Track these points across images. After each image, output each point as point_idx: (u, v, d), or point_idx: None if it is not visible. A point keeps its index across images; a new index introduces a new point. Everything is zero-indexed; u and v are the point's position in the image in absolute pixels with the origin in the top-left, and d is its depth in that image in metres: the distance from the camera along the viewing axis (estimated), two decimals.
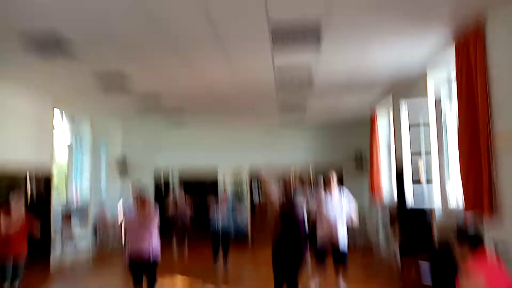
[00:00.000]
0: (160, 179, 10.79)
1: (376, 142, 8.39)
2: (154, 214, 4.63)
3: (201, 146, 10.57)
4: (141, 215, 4.58)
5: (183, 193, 8.84)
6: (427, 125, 5.48)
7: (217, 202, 7.26)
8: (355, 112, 9.68)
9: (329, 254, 5.27)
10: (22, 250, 5.24)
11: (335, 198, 5.25)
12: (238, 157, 10.48)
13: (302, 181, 6.56)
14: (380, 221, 8.46)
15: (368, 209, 9.63)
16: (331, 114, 9.85)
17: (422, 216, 5.80)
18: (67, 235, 7.64)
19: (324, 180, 5.48)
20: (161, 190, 10.61)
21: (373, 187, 8.36)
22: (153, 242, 4.55)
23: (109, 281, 6.50)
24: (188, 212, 8.91)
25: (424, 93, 5.59)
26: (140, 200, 4.65)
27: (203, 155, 10.52)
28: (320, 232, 5.21)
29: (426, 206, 5.47)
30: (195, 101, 7.82)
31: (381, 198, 8.27)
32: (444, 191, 4.65)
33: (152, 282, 4.60)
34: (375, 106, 8.55)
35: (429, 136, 5.41)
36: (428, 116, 5.46)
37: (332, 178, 5.30)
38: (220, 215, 7.10)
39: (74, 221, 8.42)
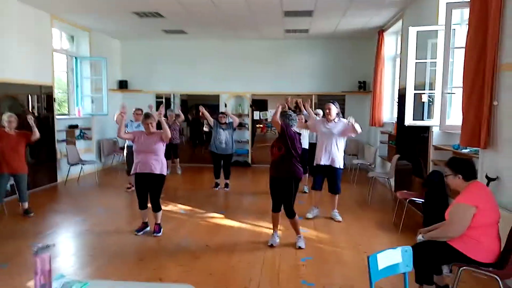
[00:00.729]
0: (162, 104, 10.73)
1: (381, 69, 8.26)
2: (159, 139, 4.72)
3: (202, 69, 10.37)
4: (146, 140, 4.70)
5: (173, 113, 8.72)
6: (434, 56, 5.33)
7: (218, 123, 7.31)
8: (362, 35, 9.43)
9: (324, 179, 5.55)
10: (21, 168, 5.48)
11: (331, 125, 5.41)
12: (240, 81, 10.32)
13: (299, 107, 6.57)
14: (378, 144, 8.66)
15: (367, 134, 9.87)
16: (337, 34, 9.55)
17: (419, 135, 5.96)
18: (72, 153, 7.88)
19: (323, 109, 5.56)
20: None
21: (374, 111, 8.43)
22: (156, 161, 4.71)
23: (114, 199, 6.80)
24: (177, 129, 8.69)
25: (435, 20, 5.36)
26: (146, 125, 4.73)
27: (204, 79, 10.36)
28: (317, 154, 5.49)
29: (424, 124, 5.58)
30: (197, 14, 7.51)
31: (380, 121, 8.40)
32: (444, 119, 4.67)
33: (156, 203, 4.80)
34: (383, 31, 8.30)
35: (436, 68, 5.29)
36: (436, 44, 5.29)
37: (331, 108, 5.39)
38: (219, 136, 7.21)
39: (78, 137, 8.68)
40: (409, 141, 6.56)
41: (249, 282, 3.53)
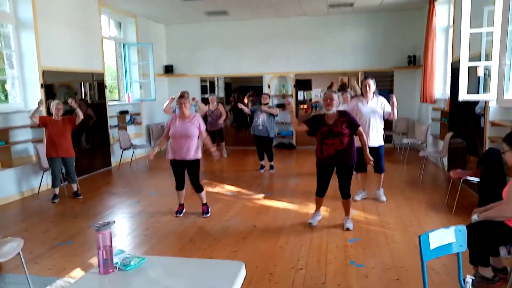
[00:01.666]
0: (206, 88, 10.87)
1: (432, 41, 7.81)
2: (194, 123, 4.71)
3: (245, 51, 10.35)
4: (180, 125, 4.69)
5: (214, 97, 8.79)
6: (491, 25, 4.96)
7: (259, 104, 7.35)
8: (411, 6, 8.95)
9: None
10: (68, 152, 5.81)
11: (370, 104, 5.15)
12: (283, 60, 10.21)
13: (344, 87, 6.36)
14: (430, 121, 8.27)
15: (418, 111, 9.47)
16: (384, 6, 9.12)
17: (474, 110, 5.61)
18: (124, 138, 8.24)
19: (361, 87, 5.31)
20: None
21: (425, 87, 8.04)
22: (191, 146, 4.70)
23: (165, 182, 7.05)
24: (221, 113, 8.59)
25: None
26: (179, 105, 4.72)
27: (246, 61, 10.35)
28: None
29: (480, 99, 5.22)
30: None
31: (432, 97, 8.01)
32: (501, 92, 4.37)
33: (196, 185, 4.88)
34: (434, 0, 7.82)
35: (492, 37, 4.93)
36: (493, 12, 4.91)
37: (369, 86, 5.12)
38: (257, 119, 7.22)
39: (129, 122, 9.06)
40: (463, 117, 6.22)
41: (296, 262, 3.57)
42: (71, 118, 5.83)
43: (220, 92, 11.10)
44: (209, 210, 4.98)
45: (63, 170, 5.95)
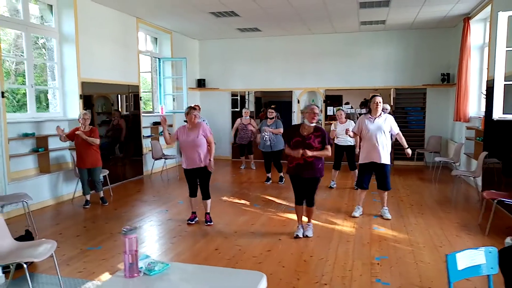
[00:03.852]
0: (237, 102, 11.03)
1: (466, 59, 7.67)
2: (201, 132, 4.90)
3: (276, 66, 10.48)
4: (189, 136, 4.91)
5: (248, 111, 8.93)
6: None
7: (265, 119, 7.61)
8: (445, 24, 8.83)
9: (370, 177, 5.34)
10: (94, 163, 5.99)
11: (377, 121, 5.16)
12: (313, 76, 10.26)
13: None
14: (464, 140, 8.04)
15: (451, 129, 9.24)
16: (417, 24, 9.05)
17: (510, 130, 5.43)
18: (156, 148, 8.46)
19: (369, 105, 5.32)
20: (238, 111, 10.99)
21: (459, 105, 7.85)
22: (202, 154, 4.89)
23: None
24: (251, 128, 8.68)
25: None
26: (189, 120, 4.95)
27: (277, 76, 10.48)
28: (362, 152, 5.31)
29: None
30: (271, 10, 7.64)
31: (466, 116, 7.80)
32: None
33: (206, 192, 5.06)
34: (469, 17, 7.69)
35: None
36: None
37: (379, 103, 5.15)
38: (267, 136, 7.38)
39: (161, 133, 9.29)
40: (498, 137, 6.02)
41: (320, 277, 3.54)
42: (96, 131, 5.97)
43: (251, 106, 11.23)
44: (211, 218, 5.14)
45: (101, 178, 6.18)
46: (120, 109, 7.88)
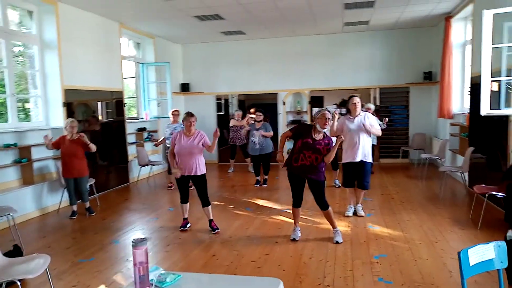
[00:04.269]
0: (221, 106, 10.98)
1: (449, 57, 7.81)
2: (198, 139, 4.83)
3: (260, 68, 10.44)
4: (186, 142, 4.82)
5: (240, 113, 9.08)
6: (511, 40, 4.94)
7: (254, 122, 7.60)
8: (426, 23, 8.99)
9: (355, 175, 5.38)
10: (81, 172, 5.84)
11: (356, 120, 5.24)
12: (298, 78, 10.27)
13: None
14: (448, 137, 8.17)
15: (435, 127, 9.39)
16: (399, 24, 9.18)
17: (497, 125, 5.53)
18: (142, 155, 8.30)
19: (347, 106, 5.39)
20: (223, 115, 10.97)
21: (443, 102, 7.99)
22: (198, 162, 4.84)
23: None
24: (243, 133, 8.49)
25: None
26: (186, 127, 4.88)
27: (261, 78, 10.44)
28: (345, 152, 5.37)
29: (503, 113, 5.16)
30: (256, 12, 7.61)
31: (450, 112, 7.94)
32: None
33: (205, 199, 4.95)
34: (450, 16, 7.84)
35: None
36: None
37: (357, 103, 5.24)
38: (253, 138, 7.42)
39: (146, 139, 9.14)
40: (483, 132, 6.15)
41: (323, 279, 3.51)
42: (84, 142, 5.77)
43: (233, 109, 11.18)
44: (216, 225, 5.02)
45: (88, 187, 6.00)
46: (100, 116, 7.62)
